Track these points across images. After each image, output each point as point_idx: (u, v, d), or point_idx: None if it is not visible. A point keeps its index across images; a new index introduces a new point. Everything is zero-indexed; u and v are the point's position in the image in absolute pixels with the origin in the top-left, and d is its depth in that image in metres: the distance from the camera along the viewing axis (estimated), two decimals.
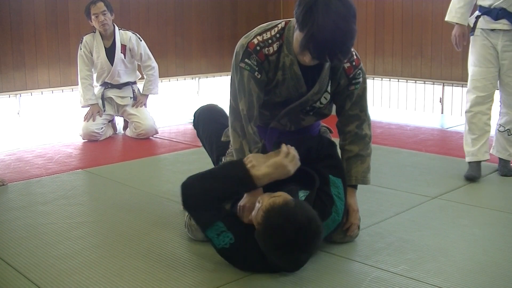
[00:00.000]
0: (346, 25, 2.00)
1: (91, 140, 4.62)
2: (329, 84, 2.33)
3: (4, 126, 5.21)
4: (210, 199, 2.12)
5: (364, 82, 2.40)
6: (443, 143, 4.28)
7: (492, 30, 3.37)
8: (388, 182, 3.38)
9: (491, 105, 3.48)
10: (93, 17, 4.56)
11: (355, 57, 2.33)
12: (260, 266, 2.12)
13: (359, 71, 2.34)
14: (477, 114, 3.44)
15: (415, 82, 6.02)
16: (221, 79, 6.93)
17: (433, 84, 5.86)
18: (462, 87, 5.55)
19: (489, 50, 3.40)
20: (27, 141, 4.60)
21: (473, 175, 3.40)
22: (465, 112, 3.52)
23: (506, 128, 3.50)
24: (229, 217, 2.16)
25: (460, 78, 5.49)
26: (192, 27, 6.52)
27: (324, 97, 2.35)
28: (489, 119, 3.47)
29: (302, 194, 2.22)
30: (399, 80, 6.12)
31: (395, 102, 6.24)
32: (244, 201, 2.20)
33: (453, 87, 5.69)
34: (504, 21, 3.31)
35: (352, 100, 2.40)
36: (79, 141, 4.63)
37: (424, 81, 5.93)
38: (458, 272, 2.15)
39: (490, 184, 3.37)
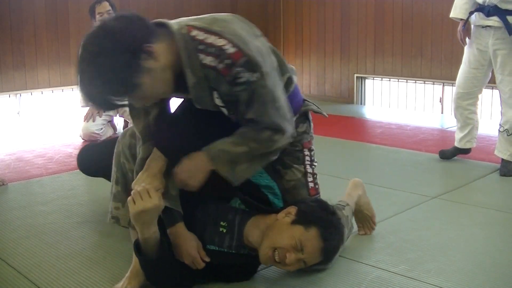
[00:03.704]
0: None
1: (91, 140, 4.62)
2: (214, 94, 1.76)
3: (4, 126, 5.21)
4: (166, 267, 1.92)
5: (254, 83, 1.70)
6: (443, 143, 4.28)
7: (484, 27, 3.46)
8: (388, 182, 3.39)
9: (473, 102, 3.71)
10: (97, 16, 4.55)
11: (231, 50, 1.66)
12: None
13: (240, 68, 1.67)
14: (458, 107, 3.76)
15: (415, 82, 6.01)
16: None
17: (433, 84, 5.86)
18: None
19: (476, 52, 3.56)
20: (27, 141, 4.60)
21: (444, 153, 3.85)
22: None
23: (505, 128, 3.54)
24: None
25: None
26: None
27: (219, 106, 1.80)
28: (471, 113, 3.73)
29: (238, 202, 2.05)
30: (399, 80, 6.12)
31: (395, 102, 6.24)
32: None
33: (453, 87, 5.63)
34: (495, 18, 3.39)
35: (247, 105, 1.75)
36: (79, 141, 4.63)
37: (424, 81, 5.92)
38: (458, 272, 2.15)
39: (490, 184, 3.37)
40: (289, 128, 1.86)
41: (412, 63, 5.92)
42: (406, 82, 6.08)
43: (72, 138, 4.69)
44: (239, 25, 1.78)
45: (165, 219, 1.90)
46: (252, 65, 1.67)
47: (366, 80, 6.49)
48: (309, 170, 2.24)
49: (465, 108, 3.72)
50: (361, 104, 6.50)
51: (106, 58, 1.58)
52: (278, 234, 1.88)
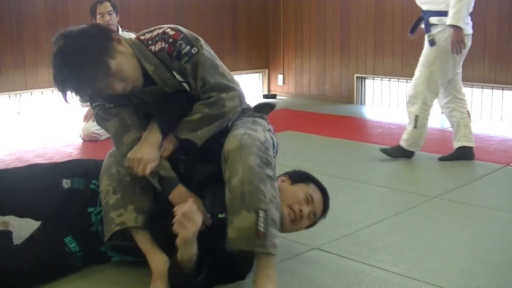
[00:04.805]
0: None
1: (91, 140, 4.62)
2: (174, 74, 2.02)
3: (4, 126, 5.21)
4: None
5: (195, 55, 1.97)
6: (443, 143, 4.29)
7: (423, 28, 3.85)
8: (388, 182, 3.39)
9: (450, 100, 3.87)
10: (98, 16, 4.55)
11: (171, 32, 1.98)
12: None
13: (180, 42, 1.97)
14: (442, 108, 3.99)
15: None
16: None
17: None
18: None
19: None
20: (27, 141, 4.60)
21: (442, 158, 3.90)
22: None
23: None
24: None
25: None
26: (192, 27, 6.43)
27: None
28: (452, 111, 3.86)
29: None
30: (399, 80, 6.12)
31: (395, 102, 6.24)
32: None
33: None
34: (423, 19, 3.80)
35: (194, 77, 1.99)
36: (79, 141, 4.63)
37: None
38: (458, 272, 2.15)
39: (490, 184, 3.37)
40: (237, 87, 2.02)
41: (412, 63, 5.90)
42: (406, 82, 6.08)
43: (72, 138, 4.70)
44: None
45: (165, 187, 1.97)
46: (190, 40, 1.98)
47: (366, 80, 6.50)
48: (267, 127, 2.10)
49: (445, 107, 3.89)
50: (361, 104, 6.50)
51: (84, 46, 1.85)
52: (288, 195, 2.06)
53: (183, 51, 1.96)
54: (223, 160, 1.92)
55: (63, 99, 1.92)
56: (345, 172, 3.62)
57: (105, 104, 2.05)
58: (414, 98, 3.80)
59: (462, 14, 3.48)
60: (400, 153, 3.88)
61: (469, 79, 5.48)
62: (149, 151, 1.94)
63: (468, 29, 3.64)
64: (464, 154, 3.80)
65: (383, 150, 3.93)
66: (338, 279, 2.10)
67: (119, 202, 2.03)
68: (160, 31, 1.99)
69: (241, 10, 6.97)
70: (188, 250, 1.84)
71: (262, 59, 7.27)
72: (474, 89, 5.56)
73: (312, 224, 2.17)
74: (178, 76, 2.00)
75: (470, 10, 3.63)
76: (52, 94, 5.66)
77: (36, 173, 2.25)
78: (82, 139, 4.65)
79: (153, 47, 1.98)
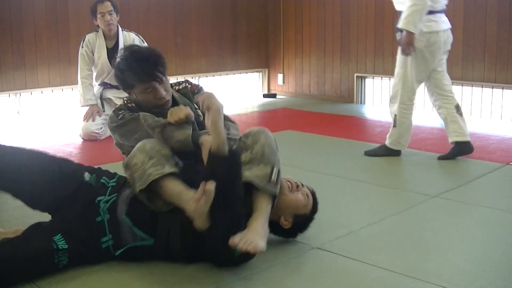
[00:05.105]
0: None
1: (91, 140, 4.62)
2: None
3: (4, 125, 5.21)
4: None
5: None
6: (442, 143, 4.28)
7: None
8: (388, 182, 3.39)
9: (436, 98, 3.97)
10: (99, 16, 4.55)
11: (192, 82, 2.65)
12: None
13: (200, 87, 2.65)
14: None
15: None
16: (220, 78, 6.94)
17: None
18: (462, 86, 5.55)
19: None
20: (27, 140, 4.60)
21: (441, 157, 3.91)
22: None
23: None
24: None
25: (459, 77, 5.48)
26: (192, 27, 6.52)
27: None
28: (439, 108, 3.93)
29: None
30: None
31: None
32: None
33: (452, 86, 5.68)
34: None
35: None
36: (79, 140, 4.63)
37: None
38: (458, 272, 2.15)
39: (490, 183, 3.37)
40: (238, 127, 2.53)
41: None
42: None
43: (72, 138, 4.70)
44: None
45: (196, 135, 2.31)
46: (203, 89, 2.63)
47: (366, 79, 6.50)
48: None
49: (434, 105, 3.98)
50: (361, 103, 6.51)
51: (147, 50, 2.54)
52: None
53: (201, 91, 2.58)
54: (244, 136, 2.38)
55: (120, 73, 2.39)
56: (345, 171, 3.62)
57: (132, 111, 2.42)
58: (393, 98, 3.94)
59: (413, 18, 3.60)
60: (384, 152, 3.95)
61: (469, 79, 5.49)
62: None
63: (436, 26, 3.72)
64: (461, 149, 3.81)
65: (367, 153, 4.01)
66: (338, 279, 2.10)
67: (156, 163, 2.18)
68: (183, 80, 2.65)
69: (241, 10, 6.97)
70: (219, 129, 2.13)
71: (262, 59, 7.27)
72: (474, 88, 5.56)
73: (311, 213, 2.37)
74: (195, 105, 2.53)
75: (441, 9, 3.70)
76: (52, 94, 5.67)
77: (40, 166, 2.43)
78: (82, 139, 4.65)
79: (176, 87, 2.58)
